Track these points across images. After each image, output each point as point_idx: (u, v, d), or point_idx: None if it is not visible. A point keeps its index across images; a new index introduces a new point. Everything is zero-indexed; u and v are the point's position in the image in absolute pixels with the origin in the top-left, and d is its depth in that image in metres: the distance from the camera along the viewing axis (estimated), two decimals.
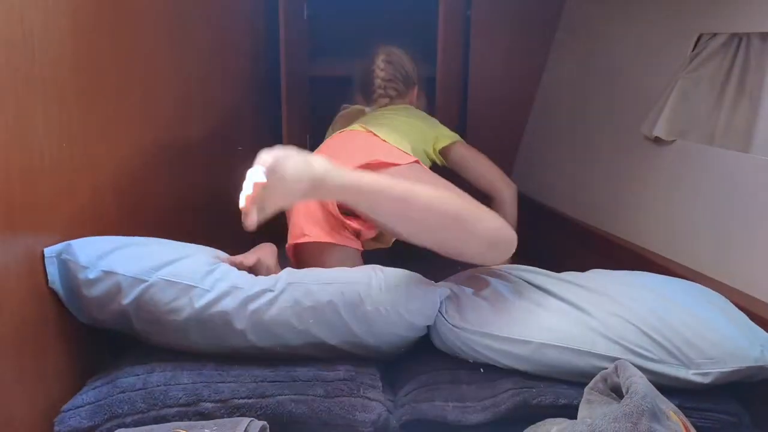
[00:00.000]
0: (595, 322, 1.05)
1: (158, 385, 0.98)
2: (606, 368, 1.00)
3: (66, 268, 1.02)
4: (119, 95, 1.21)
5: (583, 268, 1.25)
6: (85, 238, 1.06)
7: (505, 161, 2.29)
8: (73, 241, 1.04)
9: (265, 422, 0.90)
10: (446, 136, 1.80)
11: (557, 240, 1.93)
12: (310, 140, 2.64)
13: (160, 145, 1.40)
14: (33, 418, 0.95)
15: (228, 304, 1.03)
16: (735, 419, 0.99)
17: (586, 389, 0.95)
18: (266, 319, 1.03)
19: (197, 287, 1.03)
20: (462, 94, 2.45)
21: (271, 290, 1.05)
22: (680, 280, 1.22)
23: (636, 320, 1.04)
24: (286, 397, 0.96)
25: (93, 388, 0.99)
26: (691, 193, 1.44)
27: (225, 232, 1.39)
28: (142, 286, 1.02)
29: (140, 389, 0.98)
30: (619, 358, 1.00)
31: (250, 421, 0.88)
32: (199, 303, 1.02)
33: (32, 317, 0.96)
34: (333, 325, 1.04)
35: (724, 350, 1.00)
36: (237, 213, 0.88)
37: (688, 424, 0.89)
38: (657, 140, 1.56)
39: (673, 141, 1.53)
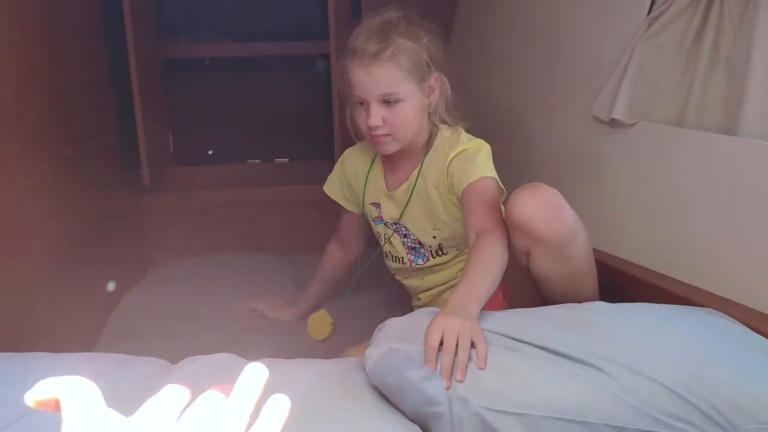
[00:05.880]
0: (614, 384, 0.80)
1: None
2: None
3: None
4: None
5: None
6: None
7: None
8: None
9: None
10: None
11: None
12: (174, 139, 2.12)
13: None
14: None
15: None
16: None
17: None
18: None
19: None
20: None
21: None
22: (697, 309, 0.97)
23: (665, 379, 0.80)
24: None
25: None
26: (664, 186, 1.19)
27: None
28: None
29: None
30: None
31: None
32: None
33: None
34: None
35: None
36: None
37: None
38: (614, 123, 1.28)
39: (636, 123, 1.26)
